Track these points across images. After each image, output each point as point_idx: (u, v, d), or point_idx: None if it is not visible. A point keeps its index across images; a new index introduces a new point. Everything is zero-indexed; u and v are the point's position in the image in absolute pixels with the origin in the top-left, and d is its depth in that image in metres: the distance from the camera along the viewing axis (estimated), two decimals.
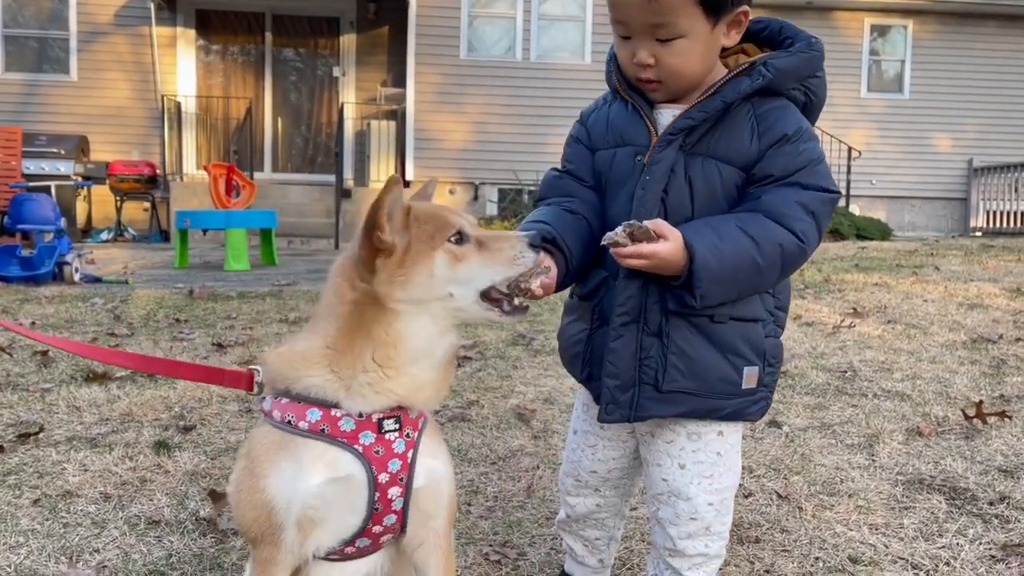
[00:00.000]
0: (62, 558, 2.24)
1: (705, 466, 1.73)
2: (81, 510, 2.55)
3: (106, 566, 2.21)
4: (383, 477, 1.48)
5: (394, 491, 1.50)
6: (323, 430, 1.46)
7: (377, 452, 1.48)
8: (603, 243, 1.58)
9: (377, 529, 1.53)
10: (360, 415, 1.47)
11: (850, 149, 13.21)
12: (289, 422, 1.48)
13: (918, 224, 14.70)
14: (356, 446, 1.47)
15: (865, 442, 3.29)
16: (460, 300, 1.50)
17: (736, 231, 1.58)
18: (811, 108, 1.75)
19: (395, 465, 1.49)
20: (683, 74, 1.65)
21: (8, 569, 2.16)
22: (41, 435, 3.19)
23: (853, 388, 4.04)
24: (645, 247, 1.53)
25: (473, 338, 5.18)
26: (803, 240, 1.61)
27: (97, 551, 2.29)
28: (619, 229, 1.55)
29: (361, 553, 1.58)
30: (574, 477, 1.95)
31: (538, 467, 3.04)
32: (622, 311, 1.68)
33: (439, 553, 1.58)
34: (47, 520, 2.47)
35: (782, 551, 2.38)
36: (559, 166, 1.92)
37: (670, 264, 1.55)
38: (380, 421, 1.48)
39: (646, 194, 1.67)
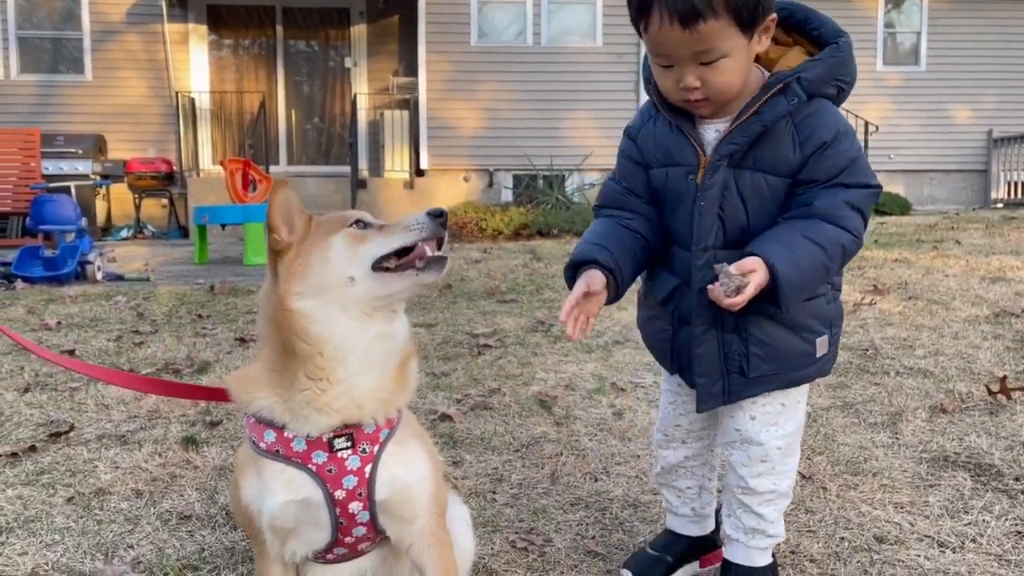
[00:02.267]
0: (98, 555, 2.29)
1: (771, 416, 1.92)
2: (114, 507, 2.60)
3: (141, 561, 2.25)
4: (339, 494, 1.51)
5: (355, 506, 1.52)
6: (278, 451, 1.51)
7: (330, 471, 1.50)
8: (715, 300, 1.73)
9: (349, 540, 1.57)
10: (308, 436, 1.50)
11: (867, 124, 13.07)
12: (253, 441, 1.54)
13: (938, 197, 14.54)
14: (310, 466, 1.50)
15: (888, 420, 3.28)
16: (359, 279, 1.47)
17: (804, 241, 1.73)
18: (843, 95, 1.86)
19: (350, 482, 1.51)
20: (728, 90, 1.77)
21: (46, 567, 2.21)
22: (72, 434, 3.25)
23: (875, 366, 4.03)
24: (748, 292, 1.68)
25: (492, 326, 5.20)
26: (856, 235, 1.78)
27: (131, 547, 2.34)
28: (719, 288, 1.70)
29: (345, 558, 1.63)
30: (663, 432, 2.15)
31: (561, 454, 3.06)
32: (700, 320, 1.87)
33: (431, 551, 1.59)
34: (81, 518, 2.52)
35: (807, 531, 2.38)
36: (613, 174, 2.07)
37: (760, 287, 1.71)
38: (331, 440, 1.50)
39: (703, 218, 1.84)
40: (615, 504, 2.63)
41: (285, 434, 1.50)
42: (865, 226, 1.81)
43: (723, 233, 1.85)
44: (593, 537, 2.41)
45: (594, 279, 1.88)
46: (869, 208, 1.81)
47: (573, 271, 1.94)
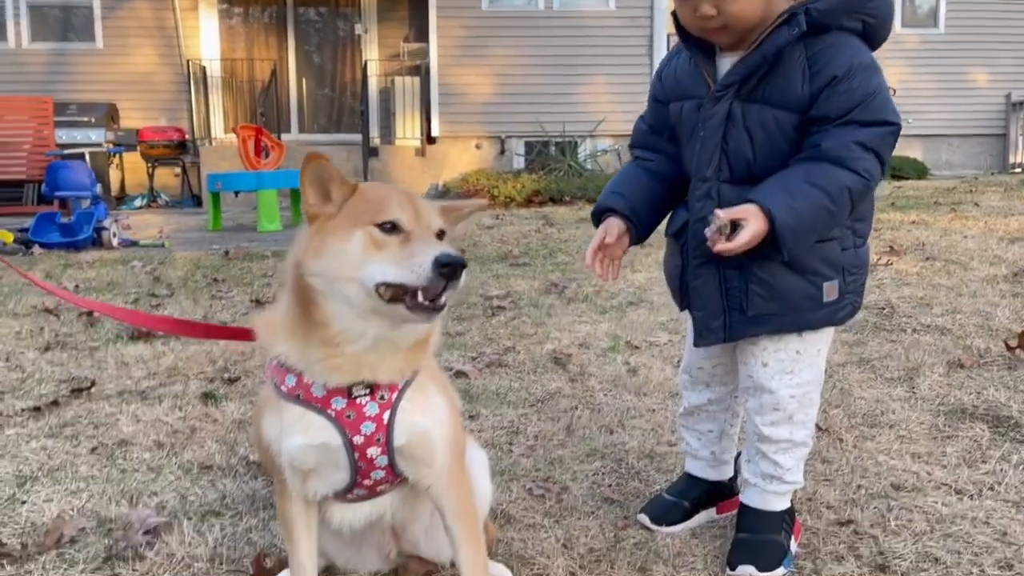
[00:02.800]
0: (122, 501, 2.32)
1: (785, 363, 1.88)
2: (136, 457, 2.64)
3: (165, 507, 2.29)
4: (357, 439, 1.52)
5: (373, 451, 1.54)
6: (299, 396, 1.53)
7: (349, 417, 1.52)
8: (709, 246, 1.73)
9: (368, 483, 1.59)
10: (327, 385, 1.51)
11: None
12: (275, 384, 1.56)
13: (955, 163, 14.37)
14: (329, 411, 1.51)
15: (905, 375, 3.27)
16: (362, 287, 1.41)
17: (805, 185, 1.69)
18: (872, 31, 1.78)
19: (369, 428, 1.52)
20: (746, 18, 1.74)
21: (71, 512, 2.25)
22: (93, 390, 3.28)
23: (892, 324, 4.01)
24: (743, 238, 1.66)
25: (506, 288, 5.20)
26: (867, 177, 1.71)
27: (155, 494, 2.37)
28: (708, 234, 1.71)
29: (364, 498, 1.65)
30: (688, 373, 2.17)
31: (576, 408, 3.08)
32: (696, 253, 1.88)
33: (450, 491, 1.61)
34: (105, 467, 2.56)
35: (824, 480, 2.39)
36: (643, 114, 2.12)
37: (759, 239, 1.69)
38: (350, 387, 1.51)
39: (703, 148, 1.84)
40: (631, 455, 2.65)
41: (305, 379, 1.52)
42: (883, 167, 1.74)
43: (728, 167, 1.83)
44: (609, 485, 2.42)
45: (611, 227, 1.99)
46: (887, 148, 1.74)
47: (597, 219, 2.04)
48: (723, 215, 1.68)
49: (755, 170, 1.81)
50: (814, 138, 1.74)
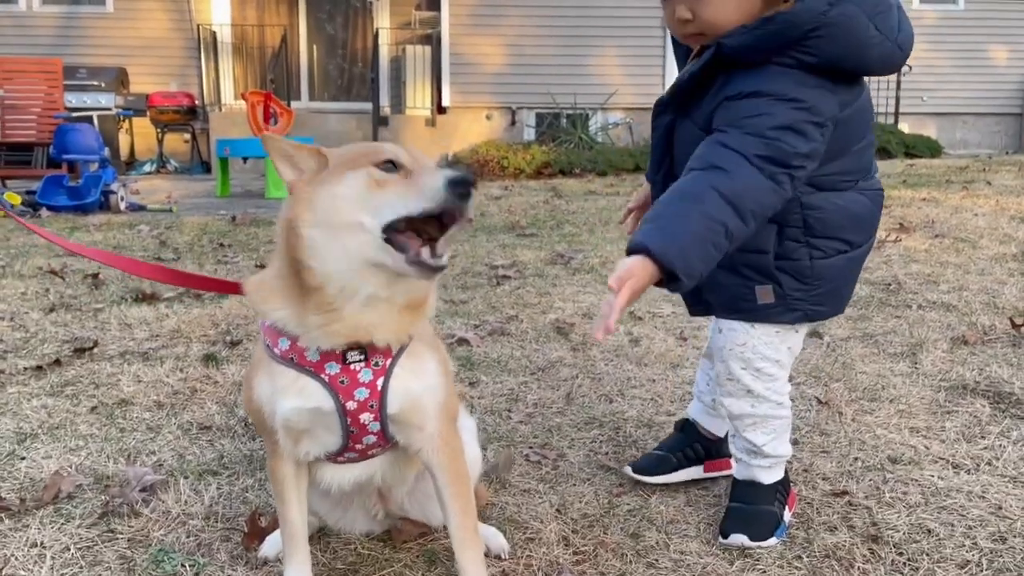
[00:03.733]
0: (120, 459, 2.34)
1: (738, 334, 1.88)
2: (136, 416, 2.65)
3: (162, 465, 2.30)
4: (351, 405, 1.51)
5: (366, 416, 1.53)
6: (292, 359, 1.51)
7: (342, 382, 1.50)
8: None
9: (359, 447, 1.58)
10: (320, 349, 1.49)
11: None
12: (268, 345, 1.54)
13: (970, 141, 14.20)
14: (323, 375, 1.50)
15: (908, 351, 3.25)
16: (367, 232, 1.36)
17: (695, 216, 1.57)
18: (820, 67, 1.65)
19: (362, 394, 1.51)
20: (719, 24, 1.71)
21: (69, 469, 2.27)
22: (95, 350, 3.30)
23: (897, 300, 3.99)
24: (617, 307, 1.49)
25: (512, 258, 5.19)
26: (727, 168, 1.60)
27: (153, 452, 2.39)
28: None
29: (355, 460, 1.64)
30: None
31: (577, 376, 3.07)
32: None
33: (440, 454, 1.60)
34: (104, 426, 2.58)
35: (821, 452, 2.39)
36: None
37: (647, 284, 1.55)
38: (344, 352, 1.49)
39: (655, 155, 1.94)
40: (629, 424, 2.65)
41: (299, 343, 1.50)
42: (759, 171, 1.60)
43: (672, 172, 1.85)
44: (606, 453, 2.43)
45: (642, 192, 2.17)
46: (768, 159, 1.60)
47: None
48: (614, 283, 1.53)
49: None
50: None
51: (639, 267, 1.54)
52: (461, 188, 1.32)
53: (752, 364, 1.88)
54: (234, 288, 1.70)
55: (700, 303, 1.99)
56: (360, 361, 1.50)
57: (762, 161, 1.61)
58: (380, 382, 1.51)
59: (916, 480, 2.19)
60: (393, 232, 1.36)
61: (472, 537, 1.64)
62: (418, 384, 1.55)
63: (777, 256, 1.81)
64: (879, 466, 2.28)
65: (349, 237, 1.39)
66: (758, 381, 1.89)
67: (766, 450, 1.94)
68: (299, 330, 1.48)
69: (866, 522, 1.98)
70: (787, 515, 1.97)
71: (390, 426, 1.56)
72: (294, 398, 1.51)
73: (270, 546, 1.85)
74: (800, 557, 1.85)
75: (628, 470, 2.21)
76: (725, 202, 1.59)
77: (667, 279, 1.57)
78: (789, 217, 1.77)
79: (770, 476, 1.98)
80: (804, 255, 1.81)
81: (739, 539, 1.88)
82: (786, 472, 2.03)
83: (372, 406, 1.52)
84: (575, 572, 1.79)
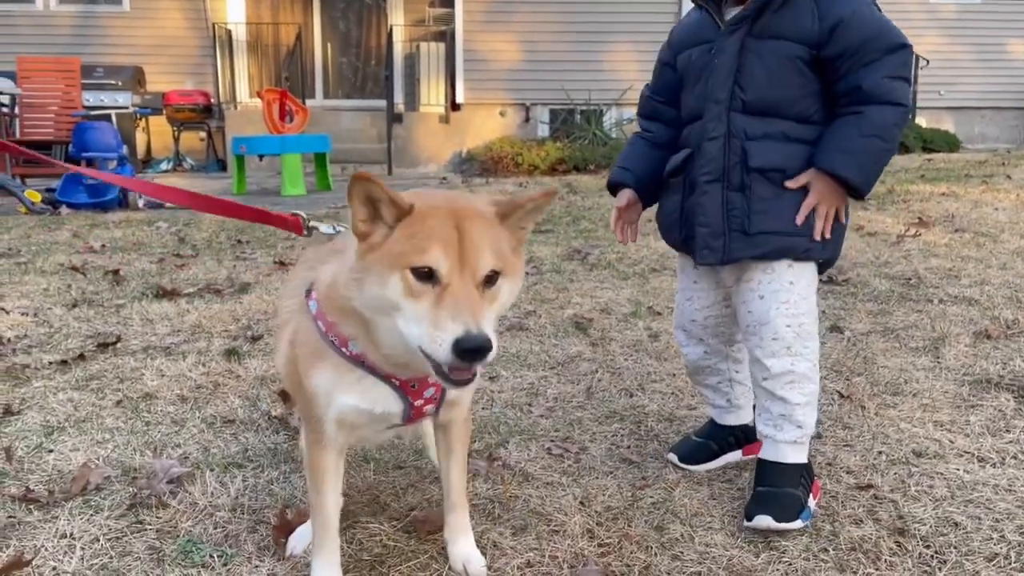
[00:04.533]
0: (146, 451, 2.36)
1: (780, 293, 1.99)
2: (161, 410, 2.67)
3: (188, 457, 2.32)
4: (418, 403, 1.58)
5: (428, 408, 1.62)
6: (363, 363, 1.51)
7: (413, 386, 1.55)
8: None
9: (410, 425, 1.70)
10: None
11: (917, 58, 12.60)
12: (334, 342, 1.51)
13: (988, 136, 14.07)
14: (393, 380, 1.52)
15: (930, 345, 3.23)
16: (406, 334, 1.35)
17: (860, 139, 1.89)
18: None
19: (429, 392, 1.58)
20: None
21: (97, 461, 2.29)
22: (119, 345, 3.33)
23: (918, 294, 3.96)
24: (830, 220, 1.95)
25: (528, 254, 5.19)
26: (904, 104, 1.90)
27: (178, 445, 2.41)
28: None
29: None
30: (682, 329, 2.28)
31: (596, 371, 3.07)
32: (705, 171, 2.00)
33: (460, 425, 1.76)
34: (130, 419, 2.60)
35: (844, 446, 2.38)
36: (648, 85, 2.31)
37: (835, 199, 1.94)
38: None
39: (716, 75, 1.99)
40: (650, 418, 2.64)
41: (370, 358, 1.50)
42: (911, 87, 1.98)
43: (740, 97, 1.97)
44: (628, 447, 2.43)
45: (622, 198, 2.25)
46: (909, 71, 1.93)
47: (613, 190, 2.30)
48: (791, 185, 1.93)
49: (764, 103, 1.96)
50: (848, 80, 1.90)
51: (817, 177, 1.93)
52: (468, 356, 1.27)
53: (797, 318, 1.98)
54: (296, 227, 1.80)
55: (711, 248, 2.01)
56: None
57: (908, 77, 1.93)
58: None
59: (942, 474, 2.18)
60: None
61: (464, 471, 1.83)
62: None
63: None
64: (904, 460, 2.27)
65: (386, 318, 1.38)
66: (799, 339, 1.98)
67: (798, 413, 1.99)
68: (369, 352, 1.49)
69: (892, 515, 1.97)
70: (812, 503, 1.99)
71: (442, 410, 1.65)
72: (356, 397, 1.53)
73: (297, 541, 1.86)
74: (826, 550, 1.84)
75: (672, 457, 2.29)
76: (898, 131, 1.93)
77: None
78: None
79: (796, 454, 2.01)
80: None
81: (764, 520, 1.90)
82: (810, 460, 2.05)
83: (435, 399, 1.60)
84: (600, 564, 1.80)
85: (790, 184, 1.93)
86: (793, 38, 1.92)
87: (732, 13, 2.00)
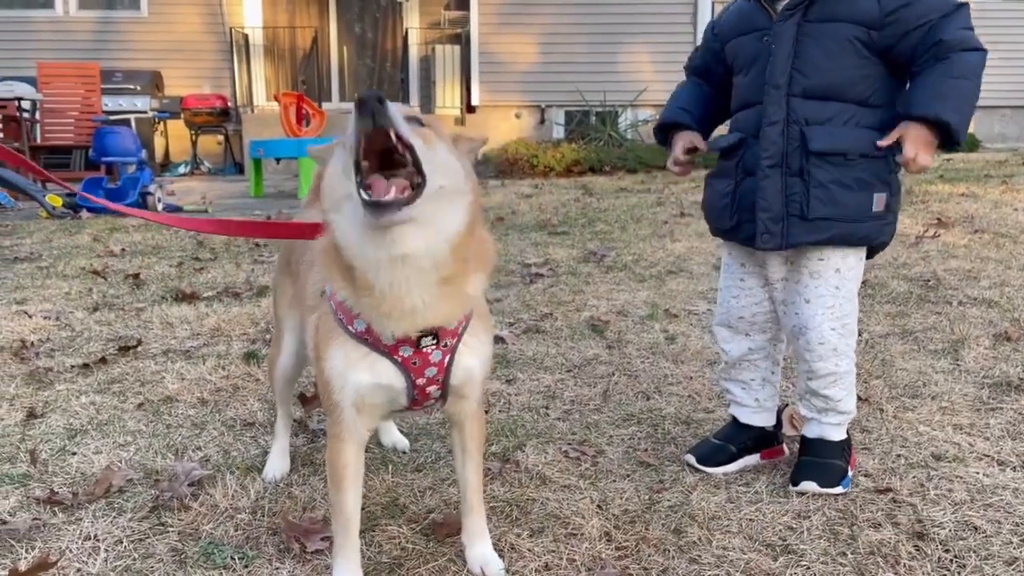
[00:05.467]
0: (168, 454, 2.39)
1: (826, 298, 2.06)
2: (181, 413, 2.70)
3: (208, 460, 2.35)
4: (420, 381, 1.60)
5: (432, 389, 1.63)
6: (367, 340, 1.56)
7: (415, 363, 1.57)
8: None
9: (417, 409, 1.71)
10: (393, 336, 1.52)
11: None
12: (341, 320, 1.58)
13: (1009, 135, 13.94)
14: (396, 357, 1.56)
15: (949, 347, 3.21)
16: (350, 191, 1.38)
17: (951, 81, 1.90)
18: None
19: (432, 372, 1.60)
20: None
21: (120, 463, 2.32)
22: (139, 348, 3.36)
23: (936, 296, 3.94)
24: (927, 161, 1.94)
25: (544, 256, 5.20)
26: (983, 48, 1.94)
27: (199, 448, 2.43)
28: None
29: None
30: (726, 326, 2.29)
31: (613, 374, 3.08)
32: (767, 155, 2.03)
33: (473, 420, 1.76)
34: (151, 422, 2.63)
35: (863, 449, 2.37)
36: (698, 49, 2.36)
37: (931, 149, 1.93)
38: (418, 339, 1.54)
39: (775, 62, 2.02)
40: (667, 421, 2.65)
41: (374, 328, 1.53)
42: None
43: (800, 81, 2.00)
44: (645, 450, 2.43)
45: (680, 142, 2.27)
46: (969, 18, 1.97)
47: (663, 132, 2.32)
48: (883, 143, 1.95)
49: (823, 87, 1.98)
50: (927, 39, 1.92)
51: (913, 127, 1.94)
52: (362, 108, 1.29)
53: (841, 319, 2.06)
54: (312, 232, 1.73)
55: (771, 233, 2.04)
56: (432, 344, 1.57)
57: (970, 22, 1.98)
58: (447, 359, 1.60)
59: (961, 477, 2.17)
60: (359, 185, 1.35)
61: (481, 474, 1.84)
62: (474, 360, 1.65)
63: (888, 161, 2.03)
64: (923, 463, 2.26)
65: (345, 210, 1.42)
66: (843, 339, 2.08)
67: (841, 406, 2.12)
68: (360, 311, 1.52)
69: (911, 519, 1.97)
70: (851, 472, 2.14)
71: (449, 395, 1.67)
72: (365, 373, 1.57)
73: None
74: (844, 554, 1.84)
75: (690, 459, 2.30)
76: (982, 73, 1.96)
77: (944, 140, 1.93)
78: (887, 124, 2.00)
79: (838, 433, 2.16)
80: (892, 165, 2.04)
81: (810, 486, 2.08)
82: (848, 434, 2.19)
83: (439, 380, 1.62)
84: (618, 568, 1.80)
85: (881, 143, 1.95)
86: (850, 19, 1.95)
87: (781, 2, 2.03)
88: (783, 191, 2.02)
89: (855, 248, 2.06)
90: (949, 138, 1.91)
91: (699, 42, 2.39)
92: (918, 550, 1.84)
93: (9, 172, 7.32)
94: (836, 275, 2.06)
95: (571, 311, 3.94)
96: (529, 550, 1.87)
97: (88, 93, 10.13)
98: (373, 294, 1.47)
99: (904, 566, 1.78)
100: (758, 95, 2.06)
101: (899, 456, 2.31)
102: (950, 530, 1.91)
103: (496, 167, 11.48)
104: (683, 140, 2.26)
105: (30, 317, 3.82)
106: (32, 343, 3.43)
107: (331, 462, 1.67)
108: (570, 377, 3.05)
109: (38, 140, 9.92)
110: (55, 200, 7.27)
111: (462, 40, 12.99)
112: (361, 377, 1.57)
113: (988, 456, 2.30)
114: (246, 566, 1.82)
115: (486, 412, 2.68)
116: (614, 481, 2.22)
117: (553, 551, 1.87)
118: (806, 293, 2.08)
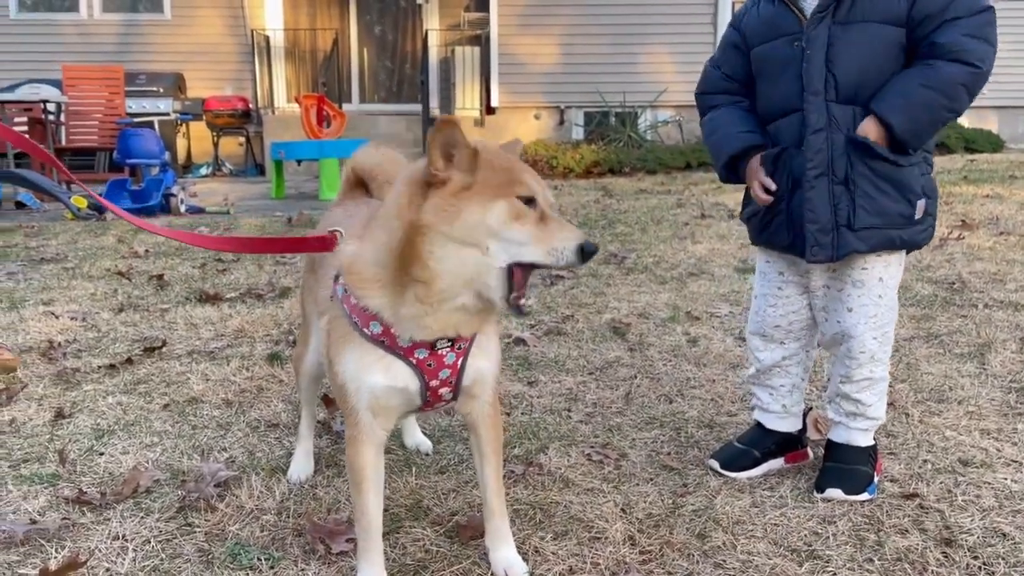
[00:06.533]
0: (194, 455, 2.41)
1: (869, 308, 2.06)
2: (206, 414, 2.73)
3: (234, 461, 2.37)
4: (433, 383, 1.63)
5: (444, 391, 1.66)
6: (383, 342, 1.58)
7: (430, 365, 1.61)
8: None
9: (428, 410, 1.74)
10: (413, 339, 1.57)
11: None
12: (357, 323, 1.60)
13: None
14: (411, 359, 1.59)
15: (975, 351, 3.18)
16: (492, 259, 1.47)
17: (920, 88, 1.88)
18: None
19: (445, 373, 1.63)
20: None
21: (147, 464, 2.34)
22: (164, 349, 3.40)
23: (962, 299, 3.90)
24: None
25: None
26: (980, 65, 1.87)
27: (224, 449, 2.45)
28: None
29: None
30: (760, 335, 2.28)
31: (635, 377, 3.07)
32: (812, 165, 2.00)
33: (487, 420, 1.78)
34: (177, 423, 2.66)
35: (888, 454, 2.35)
36: (714, 61, 2.29)
37: (881, 138, 1.94)
38: (434, 342, 1.58)
39: (811, 66, 1.98)
40: (690, 424, 2.64)
41: (392, 330, 1.56)
42: (994, 49, 1.90)
43: (835, 87, 1.98)
44: (668, 453, 2.42)
45: (756, 164, 2.14)
46: (991, 31, 1.90)
47: (733, 162, 2.18)
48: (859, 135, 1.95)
49: (864, 90, 1.96)
50: (928, 39, 1.90)
51: (871, 124, 1.96)
52: (589, 259, 1.48)
53: (882, 328, 2.07)
54: (331, 245, 1.75)
55: (821, 245, 2.02)
56: (447, 347, 1.60)
57: (990, 38, 1.93)
58: (460, 362, 1.64)
59: (989, 483, 2.15)
60: (518, 266, 1.48)
61: (500, 477, 1.84)
62: (485, 361, 1.69)
63: (922, 166, 2.03)
64: (950, 468, 2.24)
65: (475, 255, 1.48)
66: (882, 346, 2.08)
67: (871, 411, 2.12)
68: (392, 319, 1.56)
69: (938, 525, 1.95)
70: (876, 478, 2.14)
71: (460, 396, 1.70)
72: (380, 375, 1.60)
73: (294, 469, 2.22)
74: (871, 560, 1.83)
75: (714, 464, 2.29)
76: (967, 92, 1.92)
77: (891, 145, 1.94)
78: None
79: (865, 439, 2.15)
80: (926, 168, 2.05)
81: (835, 493, 2.08)
82: (875, 441, 2.17)
83: (451, 382, 1.65)
84: (642, 572, 1.80)
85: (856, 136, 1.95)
86: (881, 19, 1.93)
87: (808, 2, 2.01)
88: (831, 201, 2.00)
89: (896, 253, 2.06)
90: (895, 141, 1.92)
91: (719, 42, 2.32)
92: (946, 556, 1.82)
93: (35, 174, 7.41)
94: (879, 284, 2.06)
95: (592, 313, 3.94)
96: (553, 553, 1.87)
97: (112, 95, 10.24)
98: (424, 307, 1.53)
99: (932, 572, 1.77)
100: (796, 102, 2.03)
101: (925, 461, 2.29)
102: (978, 536, 1.90)
103: None
104: (756, 164, 2.13)
105: (57, 318, 3.86)
106: (59, 343, 3.47)
107: (351, 464, 1.69)
108: (592, 379, 3.05)
109: (63, 142, 10.03)
110: (80, 202, 7.35)
111: (482, 41, 13.01)
112: (376, 379, 1.59)
113: (1016, 462, 2.27)
114: (272, 567, 1.83)
115: (507, 415, 2.68)
116: (637, 484, 2.22)
117: (577, 554, 1.87)
118: (849, 302, 2.08)
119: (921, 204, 2.01)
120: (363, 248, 1.60)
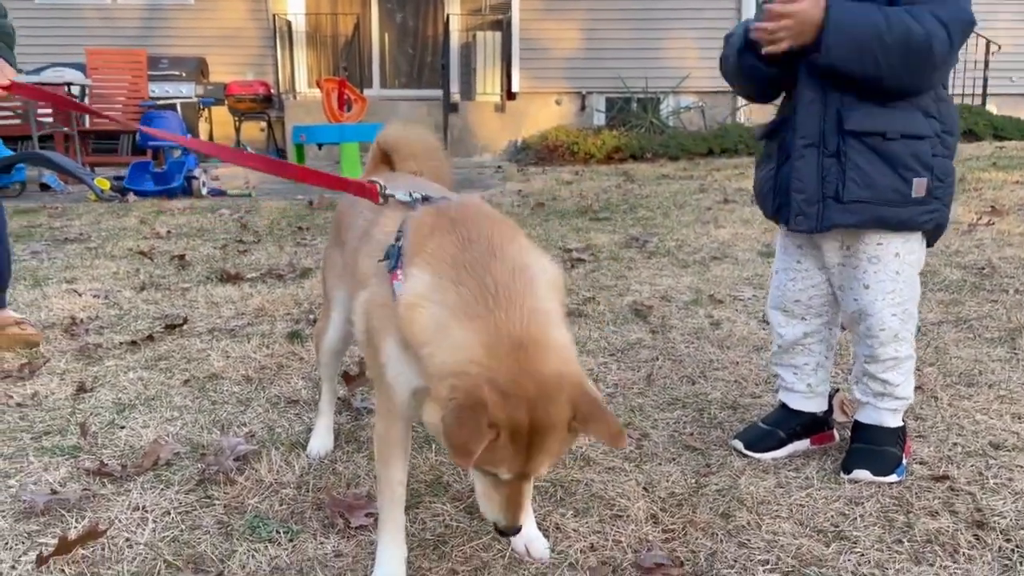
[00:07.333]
0: (214, 429, 2.41)
1: (886, 284, 2.01)
2: (227, 390, 2.72)
3: (253, 436, 2.36)
4: None
5: None
6: None
7: None
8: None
9: None
10: None
11: (988, 43, 12.14)
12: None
13: None
14: None
15: (1006, 336, 3.12)
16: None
17: (871, 7, 1.84)
18: None
19: None
20: None
21: (167, 438, 2.34)
22: (185, 327, 3.40)
23: (992, 284, 3.83)
24: (789, 6, 1.84)
25: (586, 242, 5.15)
26: (927, 35, 1.81)
27: (244, 424, 2.45)
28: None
29: None
30: (781, 310, 2.24)
31: (657, 358, 3.04)
32: (802, 134, 1.98)
33: None
34: (197, 398, 2.66)
35: (917, 436, 2.31)
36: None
37: (809, 21, 1.85)
38: None
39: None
40: (713, 405, 2.60)
41: None
42: (948, 48, 1.83)
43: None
44: (691, 434, 2.39)
45: None
46: (958, 35, 1.84)
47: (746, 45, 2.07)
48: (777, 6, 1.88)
49: None
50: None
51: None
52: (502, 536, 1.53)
53: (902, 305, 2.02)
54: (372, 194, 1.73)
55: (806, 215, 2.00)
56: None
57: (952, 32, 1.85)
58: None
59: (1021, 466, 2.10)
60: None
61: None
62: None
63: (932, 144, 1.96)
64: (980, 451, 2.20)
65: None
66: (904, 324, 2.04)
67: (898, 391, 2.08)
68: None
69: (970, 508, 1.91)
70: (905, 460, 2.07)
71: None
72: None
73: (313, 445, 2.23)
74: (900, 541, 1.79)
75: (738, 444, 2.26)
76: (904, 45, 1.84)
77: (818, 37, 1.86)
78: (930, 106, 1.94)
79: (894, 420, 2.11)
80: (940, 149, 1.97)
81: (863, 474, 2.05)
82: (904, 422, 2.12)
83: None
84: (665, 550, 1.77)
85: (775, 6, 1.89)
86: None
87: None
88: (818, 172, 1.98)
89: (909, 233, 2.00)
90: (820, 34, 1.84)
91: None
92: (977, 539, 1.78)
93: (59, 156, 7.46)
94: (896, 260, 2.01)
95: (613, 296, 3.90)
96: (574, 530, 1.85)
97: (135, 79, 10.29)
98: None
99: (963, 555, 1.72)
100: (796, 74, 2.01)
101: (955, 444, 2.25)
102: (1011, 519, 1.85)
103: (536, 154, 11.43)
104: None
105: (80, 295, 3.88)
106: (81, 320, 3.48)
107: (381, 437, 1.67)
108: (613, 361, 3.02)
109: (86, 125, 10.09)
110: (103, 183, 7.39)
111: (503, 26, 12.93)
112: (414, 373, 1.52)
113: None
114: (291, 540, 1.82)
115: None
116: (660, 464, 2.19)
117: (599, 532, 1.85)
118: (865, 279, 2.04)
119: (921, 182, 1.94)
120: (433, 300, 1.45)
